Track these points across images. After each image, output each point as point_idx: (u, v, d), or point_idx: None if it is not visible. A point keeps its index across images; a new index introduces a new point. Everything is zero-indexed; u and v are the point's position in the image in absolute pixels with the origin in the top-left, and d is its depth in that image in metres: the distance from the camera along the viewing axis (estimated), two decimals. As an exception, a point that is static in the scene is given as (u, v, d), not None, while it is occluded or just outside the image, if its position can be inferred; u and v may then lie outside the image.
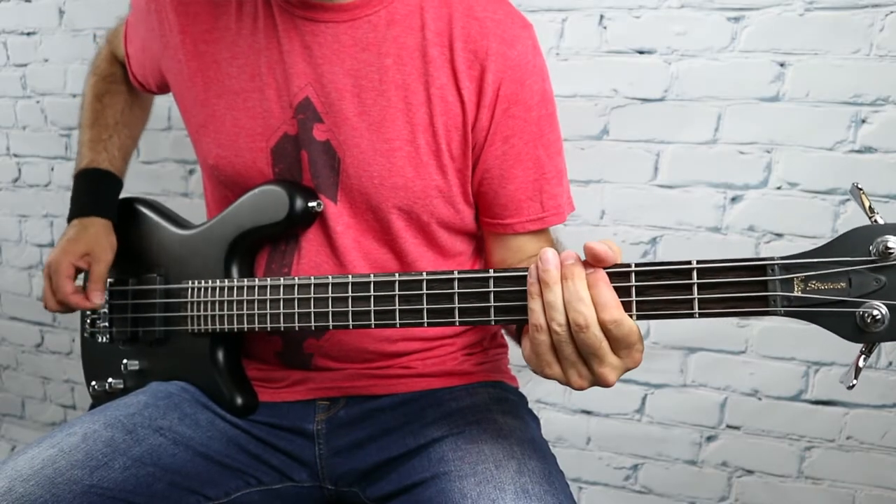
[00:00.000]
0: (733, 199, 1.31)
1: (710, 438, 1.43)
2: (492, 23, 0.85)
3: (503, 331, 1.04)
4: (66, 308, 0.98)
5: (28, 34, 1.79)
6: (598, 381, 0.64)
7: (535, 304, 0.64)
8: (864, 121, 1.22)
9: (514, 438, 0.82)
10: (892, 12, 1.16)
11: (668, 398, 1.44)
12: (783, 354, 1.35)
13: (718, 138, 1.30)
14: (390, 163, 0.85)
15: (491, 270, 0.69)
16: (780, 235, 1.30)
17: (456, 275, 0.71)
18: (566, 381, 0.65)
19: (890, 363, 1.29)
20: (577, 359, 0.64)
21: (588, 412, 1.50)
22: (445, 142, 0.85)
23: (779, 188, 1.28)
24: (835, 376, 1.32)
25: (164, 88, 1.04)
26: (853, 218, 1.25)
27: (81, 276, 1.01)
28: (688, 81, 1.29)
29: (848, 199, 1.25)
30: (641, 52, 1.30)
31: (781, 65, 1.24)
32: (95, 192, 1.04)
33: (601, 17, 1.31)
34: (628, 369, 0.64)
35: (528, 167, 0.88)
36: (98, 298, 0.97)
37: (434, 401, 0.92)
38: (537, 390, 1.52)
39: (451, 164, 0.86)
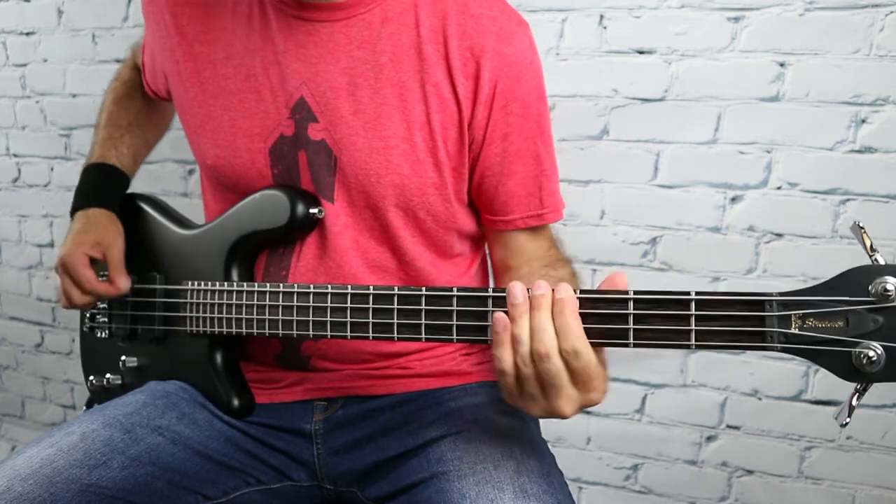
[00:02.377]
0: (733, 199, 1.31)
1: (710, 438, 1.43)
2: (487, 20, 0.85)
3: None
4: (95, 299, 0.95)
5: (27, 34, 1.79)
6: (554, 413, 0.66)
7: (501, 352, 0.65)
8: (864, 121, 1.22)
9: (512, 438, 0.82)
10: (892, 12, 1.16)
11: (668, 398, 1.43)
12: (783, 354, 1.34)
13: (718, 138, 1.30)
14: (387, 160, 0.85)
15: (490, 289, 0.70)
16: (780, 235, 1.30)
17: (455, 292, 0.71)
18: (527, 412, 0.68)
19: (890, 363, 1.29)
20: (539, 392, 0.65)
21: (588, 412, 1.50)
22: (442, 139, 0.85)
23: (779, 188, 1.28)
24: (835, 376, 1.32)
25: (170, 94, 1.04)
26: (853, 218, 1.25)
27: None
28: (688, 81, 1.29)
29: (848, 199, 1.25)
30: (641, 52, 1.30)
31: (781, 65, 1.23)
32: (99, 186, 1.03)
33: (601, 17, 1.31)
34: (586, 405, 0.66)
35: (527, 163, 0.88)
36: (125, 282, 0.94)
37: (432, 401, 0.92)
38: (537, 390, 1.52)
39: (448, 161, 0.86)
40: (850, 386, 0.61)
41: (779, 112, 1.25)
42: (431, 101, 0.84)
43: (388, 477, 0.86)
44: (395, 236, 0.89)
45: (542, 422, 0.98)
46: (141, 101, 1.13)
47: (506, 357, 0.65)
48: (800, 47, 1.22)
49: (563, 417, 0.66)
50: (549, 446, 0.88)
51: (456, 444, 0.82)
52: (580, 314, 0.64)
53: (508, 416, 0.88)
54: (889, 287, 0.55)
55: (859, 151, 1.23)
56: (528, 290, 0.66)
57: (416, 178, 0.86)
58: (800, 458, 1.38)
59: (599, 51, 1.33)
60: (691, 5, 1.26)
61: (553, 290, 0.65)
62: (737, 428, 1.41)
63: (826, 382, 1.33)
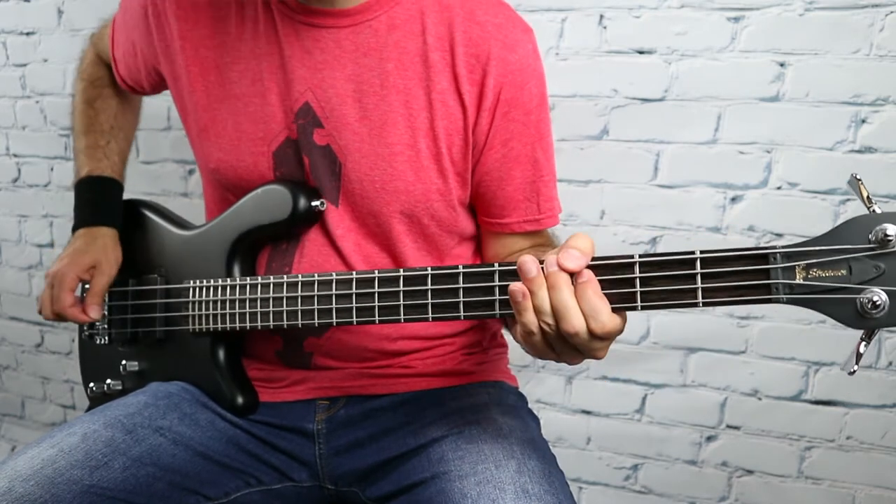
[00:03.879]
0: (733, 199, 1.31)
1: (710, 438, 1.43)
2: (493, 27, 0.85)
3: (503, 329, 1.04)
4: (61, 319, 0.97)
5: (27, 34, 1.79)
6: (587, 357, 0.67)
7: (525, 318, 0.65)
8: (864, 121, 1.22)
9: (513, 438, 0.82)
10: (892, 12, 1.16)
11: (668, 398, 1.43)
12: (783, 354, 1.35)
13: (718, 138, 1.30)
14: (391, 167, 0.85)
15: (496, 264, 0.70)
16: (780, 235, 1.30)
17: (461, 269, 0.71)
18: (561, 362, 0.69)
19: (890, 363, 1.29)
20: (568, 349, 0.66)
21: (588, 412, 1.50)
22: (446, 146, 0.85)
23: (779, 188, 1.28)
24: (835, 376, 1.32)
25: (157, 88, 1.04)
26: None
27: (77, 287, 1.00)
28: (688, 81, 1.29)
29: (848, 199, 1.25)
30: (641, 52, 1.30)
31: (781, 65, 1.24)
32: (100, 201, 1.03)
33: (601, 17, 1.31)
34: (613, 339, 0.67)
35: (525, 168, 0.89)
36: (95, 313, 0.96)
37: (434, 400, 0.92)
38: (537, 390, 1.52)
39: (452, 167, 0.87)
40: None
41: (779, 112, 1.25)
42: (437, 108, 0.84)
43: (390, 477, 0.86)
44: (397, 242, 0.89)
45: (542, 422, 0.98)
46: (115, 100, 1.12)
47: (531, 320, 0.65)
48: (800, 47, 1.22)
49: (598, 359, 0.67)
50: (549, 446, 0.88)
51: (457, 443, 0.82)
52: None
53: (509, 417, 0.88)
54: (889, 233, 0.56)
55: (859, 151, 1.23)
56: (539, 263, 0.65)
57: (420, 185, 0.86)
58: (800, 458, 1.38)
59: (599, 51, 1.33)
60: (691, 5, 1.26)
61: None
62: (737, 428, 1.41)
63: (826, 382, 1.33)
